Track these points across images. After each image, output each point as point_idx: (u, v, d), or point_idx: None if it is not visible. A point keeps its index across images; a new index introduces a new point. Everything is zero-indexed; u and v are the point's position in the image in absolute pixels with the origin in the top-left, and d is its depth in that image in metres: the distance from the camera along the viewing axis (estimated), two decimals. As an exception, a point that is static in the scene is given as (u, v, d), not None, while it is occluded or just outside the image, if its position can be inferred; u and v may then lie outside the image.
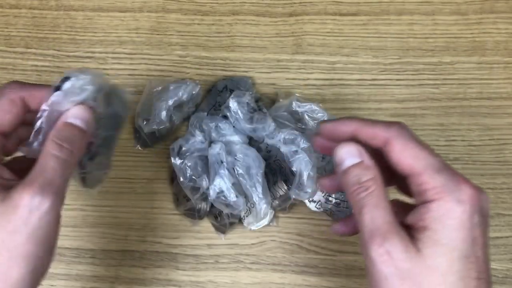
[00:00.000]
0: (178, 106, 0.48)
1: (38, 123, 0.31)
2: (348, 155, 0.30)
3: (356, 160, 0.30)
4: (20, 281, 0.28)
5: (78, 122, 0.32)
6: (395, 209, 0.29)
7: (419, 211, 0.28)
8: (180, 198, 0.48)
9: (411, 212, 0.29)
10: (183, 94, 0.48)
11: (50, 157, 0.30)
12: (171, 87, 0.48)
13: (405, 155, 0.29)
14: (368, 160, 0.30)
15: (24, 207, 0.28)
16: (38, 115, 0.31)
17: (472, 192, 0.28)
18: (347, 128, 0.31)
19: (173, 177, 0.48)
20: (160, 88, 0.49)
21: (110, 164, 0.39)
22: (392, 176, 0.31)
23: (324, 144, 0.33)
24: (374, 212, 0.28)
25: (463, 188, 0.28)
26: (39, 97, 0.31)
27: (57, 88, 0.32)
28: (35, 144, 0.31)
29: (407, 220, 0.29)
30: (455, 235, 0.27)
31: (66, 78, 0.32)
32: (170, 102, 0.47)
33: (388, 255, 0.27)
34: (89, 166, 0.37)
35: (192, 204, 0.46)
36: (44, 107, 0.31)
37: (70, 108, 0.31)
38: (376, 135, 0.30)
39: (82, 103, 0.32)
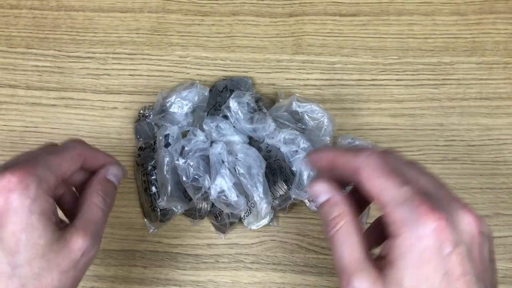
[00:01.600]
0: (192, 110, 0.48)
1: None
2: (318, 193, 0.31)
3: (325, 197, 0.31)
4: None
5: (114, 179, 0.37)
6: (376, 234, 0.30)
7: (386, 245, 0.28)
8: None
9: (383, 244, 0.29)
10: (195, 96, 0.48)
11: (97, 208, 0.34)
12: (184, 93, 0.48)
13: (371, 186, 0.29)
14: (336, 196, 0.30)
15: (78, 251, 0.31)
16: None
17: (436, 224, 0.26)
18: (326, 158, 0.32)
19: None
20: (173, 97, 0.48)
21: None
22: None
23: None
24: (342, 249, 0.29)
25: (425, 222, 0.26)
26: (97, 160, 0.37)
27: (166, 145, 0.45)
28: None
29: (381, 251, 0.29)
30: (417, 274, 0.26)
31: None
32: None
33: None
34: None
35: (193, 204, 0.46)
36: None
37: (109, 165, 0.37)
38: (346, 164, 0.30)
39: (140, 148, 0.48)
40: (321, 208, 0.31)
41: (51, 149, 0.34)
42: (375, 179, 0.28)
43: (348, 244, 0.29)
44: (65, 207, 0.36)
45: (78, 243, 0.31)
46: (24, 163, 0.32)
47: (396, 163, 0.29)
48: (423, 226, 0.26)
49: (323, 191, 0.31)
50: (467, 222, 0.27)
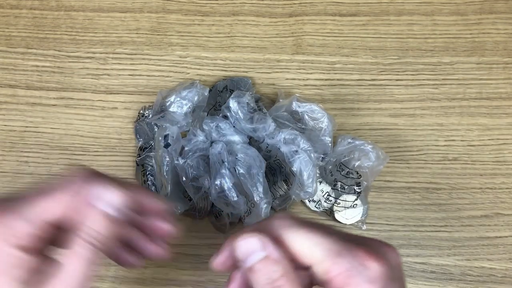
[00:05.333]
0: (192, 110, 0.48)
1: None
2: (249, 250, 0.26)
3: (260, 254, 0.26)
4: None
5: (111, 211, 0.28)
6: None
7: None
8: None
9: None
10: (195, 96, 0.47)
11: (81, 261, 0.27)
12: (184, 93, 0.47)
13: (299, 246, 0.26)
14: (274, 252, 0.26)
15: None
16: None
17: (379, 263, 0.26)
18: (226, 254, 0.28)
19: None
20: (172, 97, 0.47)
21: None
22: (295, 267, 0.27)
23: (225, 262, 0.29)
24: None
25: (370, 265, 0.25)
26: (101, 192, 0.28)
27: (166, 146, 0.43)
28: None
29: None
30: None
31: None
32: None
33: None
34: None
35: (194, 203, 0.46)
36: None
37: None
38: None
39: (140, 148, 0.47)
40: (256, 269, 0.26)
41: (35, 189, 0.28)
42: (301, 238, 0.26)
43: None
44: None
45: None
46: None
47: (301, 221, 0.27)
48: (372, 269, 0.25)
49: (257, 247, 0.26)
50: (393, 257, 0.27)
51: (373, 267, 0.25)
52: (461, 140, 0.50)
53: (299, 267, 0.26)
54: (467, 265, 0.47)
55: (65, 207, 0.27)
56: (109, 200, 0.27)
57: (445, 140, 0.50)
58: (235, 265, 0.28)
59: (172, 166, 0.45)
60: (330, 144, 0.47)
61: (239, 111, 0.46)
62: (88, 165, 0.50)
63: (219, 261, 0.29)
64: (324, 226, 0.27)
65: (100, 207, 0.27)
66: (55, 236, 0.29)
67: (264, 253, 0.26)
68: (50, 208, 0.27)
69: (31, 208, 0.27)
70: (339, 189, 0.47)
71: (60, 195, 0.27)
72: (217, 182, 0.44)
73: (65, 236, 0.28)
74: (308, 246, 0.26)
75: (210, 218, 0.48)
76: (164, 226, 0.32)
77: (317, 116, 0.47)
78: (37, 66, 0.53)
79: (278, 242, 0.26)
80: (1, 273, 0.25)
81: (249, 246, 0.26)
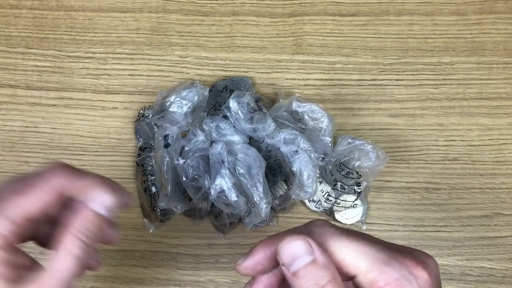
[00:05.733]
0: (192, 110, 0.48)
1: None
2: (297, 253, 0.25)
3: (308, 258, 0.24)
4: None
5: (103, 211, 0.28)
6: None
7: None
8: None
9: None
10: (195, 96, 0.47)
11: (69, 259, 0.27)
12: (184, 93, 0.47)
13: (343, 255, 0.25)
14: (321, 257, 0.24)
15: None
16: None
17: (426, 272, 0.25)
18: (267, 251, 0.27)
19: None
20: (172, 97, 0.47)
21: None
22: None
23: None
24: None
25: (419, 274, 0.25)
26: (84, 188, 0.28)
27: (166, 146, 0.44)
28: None
29: None
30: None
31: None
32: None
33: None
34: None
35: (193, 204, 0.46)
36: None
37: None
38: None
39: (140, 148, 0.47)
40: (302, 274, 0.24)
41: (14, 185, 0.28)
42: (346, 247, 0.25)
43: None
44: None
45: None
46: None
47: (342, 229, 0.27)
48: (419, 278, 0.25)
49: (303, 251, 0.25)
50: (435, 267, 0.26)
51: (422, 277, 0.25)
52: (461, 140, 0.50)
53: (342, 277, 0.25)
54: (467, 265, 0.47)
55: (46, 203, 0.28)
56: (102, 200, 0.28)
57: (445, 140, 0.50)
58: (264, 270, 0.27)
59: (172, 166, 0.45)
60: (330, 144, 0.47)
61: (239, 111, 0.46)
62: (88, 165, 0.50)
63: (248, 264, 0.27)
64: (365, 234, 0.27)
65: (93, 207, 0.28)
66: (38, 232, 0.30)
67: (311, 257, 0.24)
68: (28, 204, 0.27)
69: (11, 206, 0.27)
70: (339, 189, 0.47)
71: (40, 191, 0.28)
72: (217, 182, 0.44)
73: (49, 232, 0.29)
74: (354, 255, 0.25)
75: (210, 218, 0.48)
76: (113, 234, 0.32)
77: (317, 116, 0.47)
78: (37, 66, 0.53)
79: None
80: None
81: (295, 250, 0.25)
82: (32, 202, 0.27)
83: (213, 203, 0.46)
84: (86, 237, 0.27)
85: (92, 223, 0.28)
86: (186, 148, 0.46)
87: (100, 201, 0.28)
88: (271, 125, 0.46)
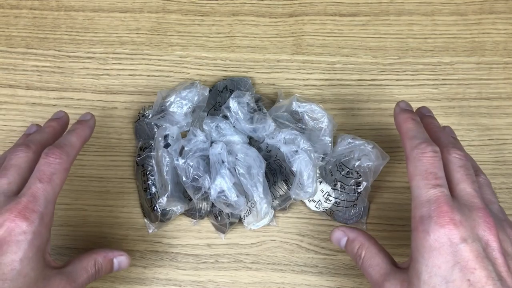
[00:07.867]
0: (192, 110, 0.48)
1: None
2: (338, 239, 0.39)
3: (344, 239, 0.39)
4: None
5: (118, 267, 0.42)
6: None
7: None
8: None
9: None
10: (195, 96, 0.47)
11: (86, 274, 0.39)
12: (184, 93, 0.47)
13: (411, 183, 0.34)
14: (351, 234, 0.38)
15: None
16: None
17: (448, 221, 0.31)
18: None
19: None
20: (172, 97, 0.47)
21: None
22: None
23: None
24: (370, 271, 0.36)
25: (438, 220, 0.31)
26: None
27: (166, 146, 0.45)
28: None
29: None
30: (430, 264, 0.30)
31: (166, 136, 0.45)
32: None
33: None
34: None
35: (193, 204, 0.46)
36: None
37: None
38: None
39: (140, 148, 0.48)
40: (346, 249, 0.39)
41: (41, 175, 0.35)
42: (414, 178, 0.34)
43: (373, 265, 0.35)
44: None
45: None
46: (27, 197, 0.34)
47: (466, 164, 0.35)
48: (435, 223, 0.31)
49: (341, 236, 0.39)
50: (483, 229, 0.31)
51: (440, 221, 0.31)
52: (461, 140, 0.50)
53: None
54: (467, 265, 0.47)
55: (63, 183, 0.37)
56: (124, 265, 0.42)
57: (445, 140, 0.50)
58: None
59: (172, 166, 0.45)
60: (330, 144, 0.47)
61: (239, 111, 0.46)
62: (88, 165, 0.50)
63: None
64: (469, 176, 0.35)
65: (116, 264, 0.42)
66: None
67: (345, 237, 0.39)
68: (57, 191, 0.36)
69: (48, 197, 0.35)
70: (339, 189, 0.47)
71: (61, 180, 0.37)
72: (217, 182, 0.44)
73: None
74: (413, 187, 0.34)
75: (210, 218, 0.48)
76: None
77: (317, 116, 0.47)
78: (37, 66, 0.53)
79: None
80: (38, 249, 0.34)
81: (336, 236, 0.40)
82: (58, 188, 0.37)
83: (213, 203, 0.46)
84: (99, 271, 0.40)
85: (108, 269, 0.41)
86: (186, 148, 0.46)
87: (123, 265, 0.42)
88: (271, 125, 0.46)
